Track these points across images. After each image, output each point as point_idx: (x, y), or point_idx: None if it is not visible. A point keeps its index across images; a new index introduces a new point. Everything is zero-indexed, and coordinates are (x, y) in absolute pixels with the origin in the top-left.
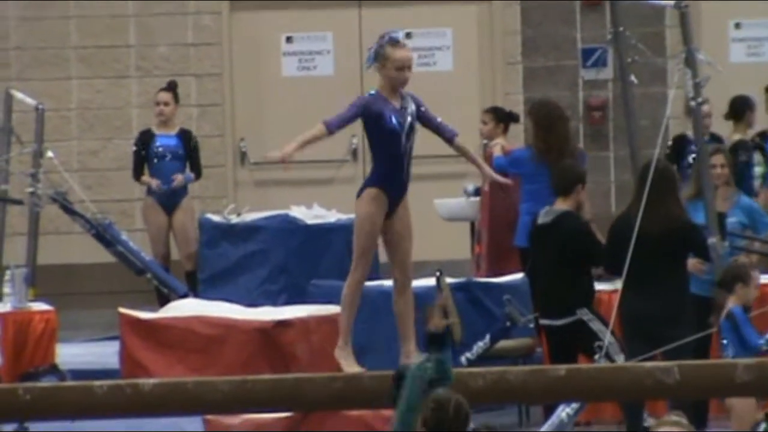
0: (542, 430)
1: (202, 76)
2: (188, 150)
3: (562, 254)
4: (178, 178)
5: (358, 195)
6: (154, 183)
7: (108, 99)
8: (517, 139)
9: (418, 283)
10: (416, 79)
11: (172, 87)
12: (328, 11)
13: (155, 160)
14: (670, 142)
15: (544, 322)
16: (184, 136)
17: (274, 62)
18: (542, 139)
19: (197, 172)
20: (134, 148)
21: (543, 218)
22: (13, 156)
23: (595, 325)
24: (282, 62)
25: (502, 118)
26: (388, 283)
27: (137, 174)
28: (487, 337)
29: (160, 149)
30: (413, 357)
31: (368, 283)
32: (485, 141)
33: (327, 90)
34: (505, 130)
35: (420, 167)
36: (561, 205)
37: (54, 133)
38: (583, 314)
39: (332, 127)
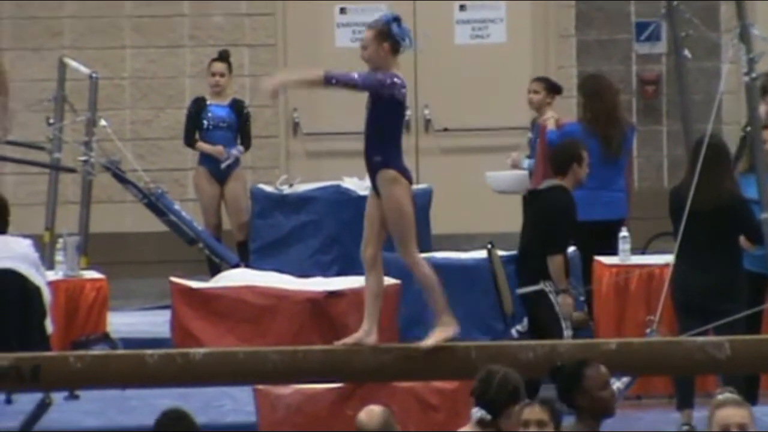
0: None
1: (255, 47)
2: (240, 120)
3: (535, 225)
4: (231, 154)
5: (387, 168)
6: (216, 149)
7: (161, 68)
8: (569, 113)
9: (469, 255)
10: (469, 51)
11: (225, 57)
12: None
13: (207, 129)
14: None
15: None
16: (237, 106)
17: (328, 33)
18: (590, 109)
19: (247, 143)
20: (188, 114)
21: (539, 186)
22: (66, 124)
23: (554, 299)
24: (335, 33)
25: (551, 88)
26: (438, 255)
27: (189, 140)
28: None
29: (212, 119)
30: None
31: (421, 255)
32: (534, 111)
33: None
34: (552, 102)
35: (471, 140)
36: (564, 182)
37: (107, 101)
38: (546, 286)
39: (330, 82)
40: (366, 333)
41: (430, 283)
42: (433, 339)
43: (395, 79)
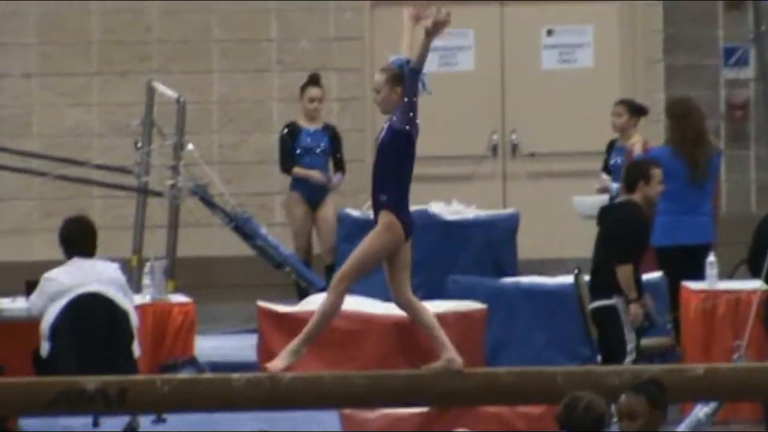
0: (680, 429)
1: (343, 71)
2: (333, 145)
3: (605, 239)
4: (333, 181)
5: (388, 211)
6: (313, 174)
7: (249, 92)
8: (657, 138)
9: (556, 280)
10: (556, 76)
11: (318, 81)
12: (470, 8)
13: (300, 155)
14: None
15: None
16: (330, 131)
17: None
18: (677, 130)
19: (342, 168)
20: (282, 140)
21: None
22: (154, 148)
23: (624, 318)
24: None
25: (635, 110)
26: (525, 279)
27: (285, 165)
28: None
29: (306, 144)
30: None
31: (506, 280)
32: (617, 134)
33: (467, 86)
34: (636, 124)
35: (558, 164)
36: (634, 197)
37: (195, 125)
38: (619, 302)
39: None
40: (450, 360)
41: (323, 312)
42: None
43: (416, 120)
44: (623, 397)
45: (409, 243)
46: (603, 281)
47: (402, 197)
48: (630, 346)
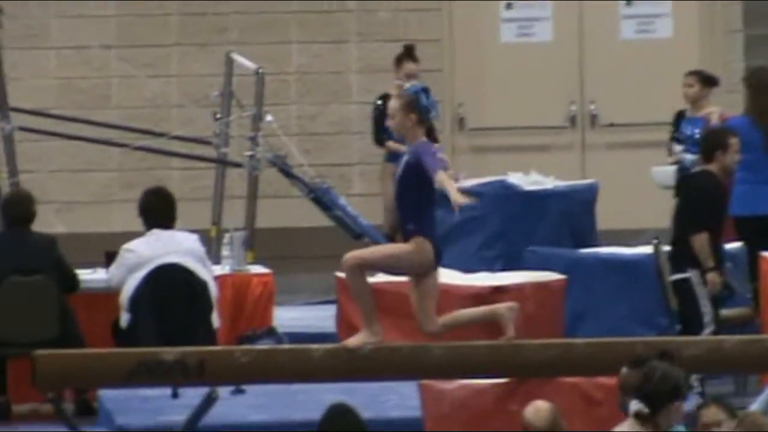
0: (754, 404)
1: (422, 42)
2: None
3: (682, 210)
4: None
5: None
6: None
7: (327, 63)
8: (735, 109)
9: (635, 251)
10: (635, 47)
11: (414, 54)
12: None
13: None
14: None
15: None
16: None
17: (493, 28)
18: (756, 101)
19: (434, 137)
20: (377, 111)
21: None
22: (232, 119)
23: (699, 291)
24: (501, 28)
25: (706, 81)
26: (604, 250)
27: (379, 138)
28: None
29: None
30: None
31: (584, 250)
32: (688, 105)
33: (545, 57)
34: (708, 95)
35: (637, 135)
36: (711, 167)
37: (273, 97)
38: (694, 275)
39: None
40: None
41: (356, 291)
42: (352, 341)
43: (423, 149)
44: (622, 371)
45: (438, 272)
46: (681, 253)
47: (429, 223)
48: (707, 317)
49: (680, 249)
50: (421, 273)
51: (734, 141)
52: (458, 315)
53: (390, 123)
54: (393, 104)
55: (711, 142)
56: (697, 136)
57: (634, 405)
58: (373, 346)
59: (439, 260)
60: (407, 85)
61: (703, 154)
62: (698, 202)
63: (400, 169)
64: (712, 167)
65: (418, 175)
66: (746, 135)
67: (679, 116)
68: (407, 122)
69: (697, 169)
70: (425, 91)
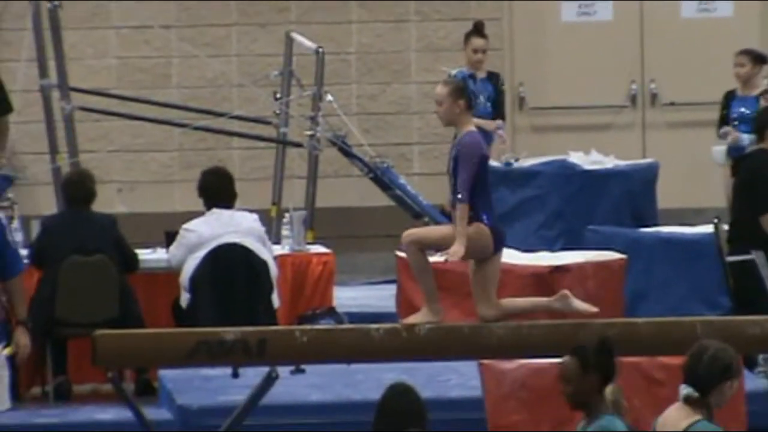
0: None
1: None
2: (496, 93)
3: (741, 190)
4: (500, 130)
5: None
6: (488, 123)
7: (387, 43)
8: None
9: (696, 230)
10: (695, 26)
11: (482, 30)
12: None
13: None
14: None
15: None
16: (493, 79)
17: (554, 7)
18: None
19: (502, 114)
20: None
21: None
22: (293, 99)
23: (765, 272)
24: (561, 7)
25: (758, 59)
26: (665, 229)
27: None
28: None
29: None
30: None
31: (645, 230)
32: (740, 84)
33: (606, 35)
34: (759, 73)
35: (698, 114)
36: (760, 145)
37: (333, 76)
38: (758, 257)
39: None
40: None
41: (416, 270)
42: (411, 319)
43: (477, 138)
44: (564, 358)
45: (500, 256)
46: (740, 234)
47: (488, 206)
48: None
49: (739, 229)
50: (483, 258)
51: None
52: (513, 303)
53: (438, 110)
54: (440, 91)
55: (764, 120)
56: (750, 114)
57: (684, 389)
58: (432, 325)
59: (501, 244)
60: (454, 72)
61: (756, 132)
62: (757, 182)
63: (453, 155)
64: (766, 144)
65: (473, 163)
66: None
67: (729, 96)
68: (455, 108)
69: (753, 147)
70: (472, 77)
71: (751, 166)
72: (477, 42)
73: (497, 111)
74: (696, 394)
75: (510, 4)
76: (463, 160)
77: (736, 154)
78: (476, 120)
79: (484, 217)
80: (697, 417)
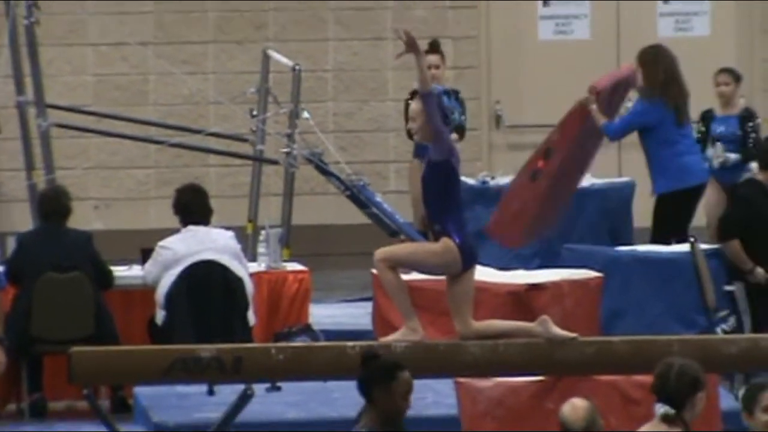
0: None
1: (458, 39)
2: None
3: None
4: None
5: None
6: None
7: (364, 61)
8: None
9: (672, 248)
10: (672, 44)
11: (437, 47)
12: None
13: None
14: None
15: None
16: (453, 94)
17: (531, 26)
18: (651, 77)
19: (462, 130)
20: (406, 106)
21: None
22: (269, 116)
23: (743, 306)
24: (538, 25)
25: (738, 78)
26: (641, 248)
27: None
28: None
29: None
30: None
31: (621, 248)
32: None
33: (583, 54)
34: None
35: None
36: (759, 176)
37: (310, 94)
38: (738, 290)
39: (425, 99)
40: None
41: (391, 290)
42: (390, 337)
43: (453, 148)
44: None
45: (472, 274)
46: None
47: (458, 223)
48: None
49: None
50: (452, 274)
51: None
52: (493, 325)
53: (411, 125)
54: (415, 107)
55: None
56: (736, 133)
57: (660, 408)
58: (408, 342)
59: (473, 260)
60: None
61: (761, 163)
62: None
63: (425, 170)
64: (763, 176)
65: (441, 175)
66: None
67: (707, 115)
68: (429, 125)
69: (750, 176)
70: (450, 93)
71: (739, 192)
72: (430, 58)
73: (460, 129)
74: (672, 411)
75: (487, 22)
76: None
77: (720, 174)
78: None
79: (454, 235)
80: None
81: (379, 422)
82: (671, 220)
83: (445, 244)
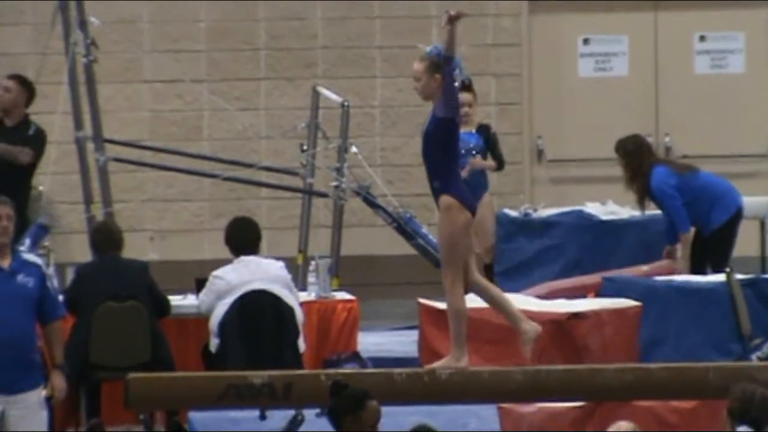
0: None
1: (501, 76)
2: (489, 144)
3: None
4: (476, 162)
5: (445, 194)
6: (476, 162)
7: (410, 97)
8: None
9: (709, 279)
10: (708, 81)
11: (470, 86)
12: (624, 14)
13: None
14: None
15: None
16: (484, 131)
17: (571, 63)
18: (627, 168)
19: (500, 162)
20: None
21: None
22: (319, 151)
23: None
24: (578, 63)
25: None
26: (678, 278)
27: None
28: None
29: (462, 146)
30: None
31: (658, 278)
32: None
33: (622, 90)
34: None
35: (710, 166)
36: None
37: (358, 129)
38: None
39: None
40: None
41: (452, 313)
42: (436, 364)
43: (458, 107)
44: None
45: (471, 230)
46: None
47: (454, 178)
48: None
49: None
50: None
51: None
52: (491, 290)
53: (416, 85)
54: (417, 67)
55: None
56: None
57: (744, 429)
58: (453, 370)
59: (470, 204)
60: (428, 48)
61: None
62: None
63: (428, 126)
64: None
65: (443, 131)
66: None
67: None
68: (432, 83)
69: None
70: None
71: None
72: (463, 96)
73: (496, 158)
74: None
75: (529, 60)
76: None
77: None
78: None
79: (453, 189)
80: None
81: None
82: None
83: (445, 204)
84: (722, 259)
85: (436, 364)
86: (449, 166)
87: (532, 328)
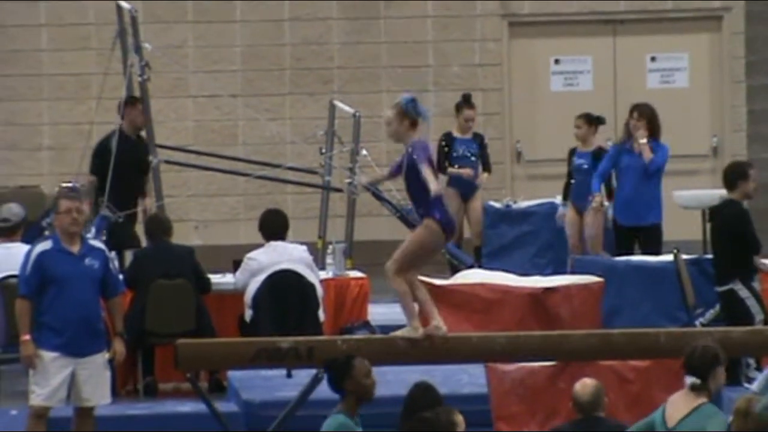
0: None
1: (486, 90)
2: (482, 150)
3: (720, 233)
4: (466, 172)
5: (427, 218)
6: (465, 172)
7: None
8: (737, 144)
9: (660, 258)
10: (658, 95)
11: (471, 101)
12: (588, 38)
13: (456, 158)
14: None
15: None
16: (479, 139)
17: (545, 79)
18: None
19: (488, 167)
20: (439, 146)
21: (716, 203)
22: (335, 153)
23: (743, 294)
24: (551, 79)
25: (593, 121)
26: (634, 258)
27: (441, 166)
28: (717, 305)
29: (461, 150)
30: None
31: (618, 258)
32: (579, 142)
33: (587, 102)
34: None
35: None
36: (729, 195)
37: (367, 135)
38: (735, 285)
39: (392, 175)
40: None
41: (399, 296)
42: (398, 333)
43: (416, 145)
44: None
45: (437, 252)
46: (724, 270)
47: (436, 205)
48: (758, 316)
49: (722, 266)
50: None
51: (752, 171)
52: (419, 292)
53: (387, 129)
54: (389, 114)
55: (736, 174)
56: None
57: (689, 379)
58: (447, 334)
59: (453, 231)
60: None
61: (726, 184)
62: (742, 229)
63: (405, 165)
64: (735, 195)
65: (418, 168)
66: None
67: (573, 152)
68: (402, 128)
69: (725, 197)
70: (414, 101)
71: (726, 213)
72: (468, 113)
73: (485, 164)
74: (699, 381)
75: (509, 77)
76: (417, 156)
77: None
78: (450, 170)
79: (435, 213)
80: (703, 399)
81: (356, 405)
82: None
83: (427, 224)
84: None
85: (398, 333)
86: (428, 198)
87: (441, 326)
